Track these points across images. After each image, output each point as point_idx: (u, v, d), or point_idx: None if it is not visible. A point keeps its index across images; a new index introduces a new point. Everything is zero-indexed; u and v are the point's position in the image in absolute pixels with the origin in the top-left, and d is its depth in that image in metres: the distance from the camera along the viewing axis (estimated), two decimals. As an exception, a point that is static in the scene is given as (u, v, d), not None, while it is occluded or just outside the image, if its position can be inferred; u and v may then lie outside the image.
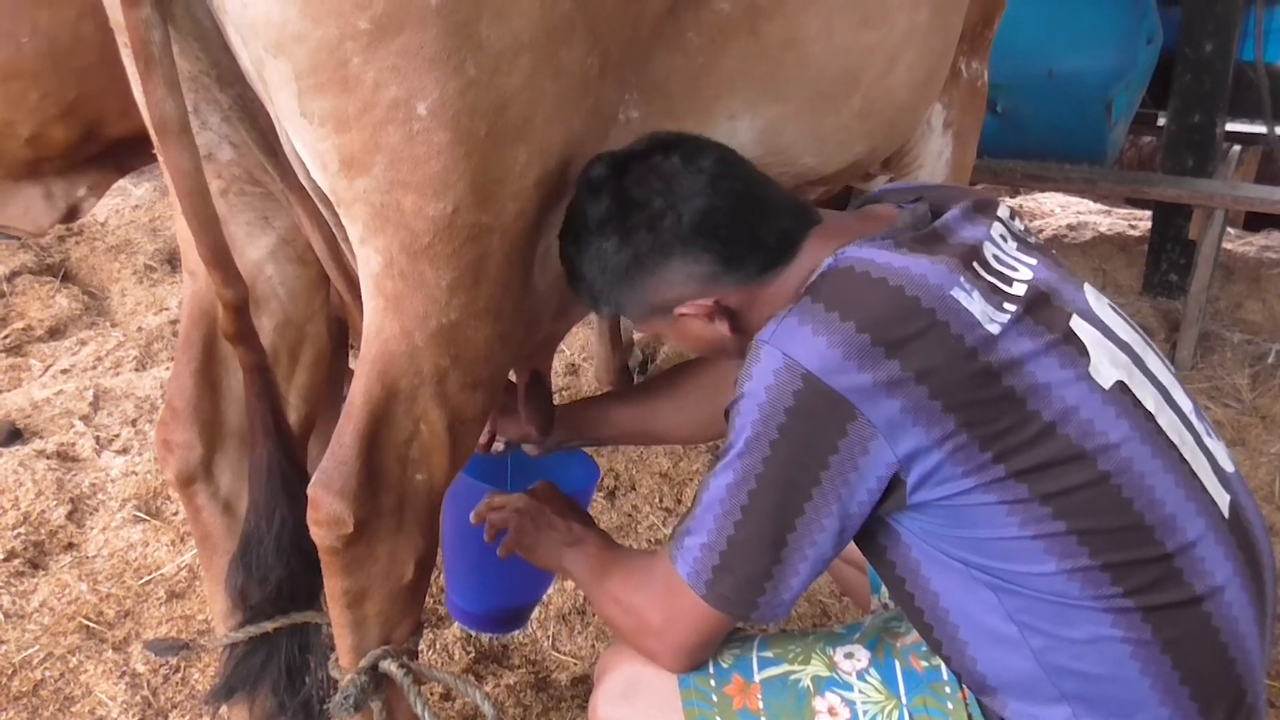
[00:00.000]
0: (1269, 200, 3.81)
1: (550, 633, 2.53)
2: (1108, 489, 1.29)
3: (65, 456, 3.14)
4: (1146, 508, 1.30)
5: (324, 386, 1.82)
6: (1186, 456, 1.36)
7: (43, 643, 2.42)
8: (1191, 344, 3.79)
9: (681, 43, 1.55)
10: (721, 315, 1.43)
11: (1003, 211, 1.50)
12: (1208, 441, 1.44)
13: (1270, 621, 1.40)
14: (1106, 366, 1.34)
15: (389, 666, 1.55)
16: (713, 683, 1.45)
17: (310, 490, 1.43)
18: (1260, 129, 4.21)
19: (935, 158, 2.54)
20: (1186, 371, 3.76)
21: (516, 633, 2.46)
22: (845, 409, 1.26)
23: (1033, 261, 1.43)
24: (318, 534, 1.44)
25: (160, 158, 1.41)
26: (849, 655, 1.48)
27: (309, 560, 1.52)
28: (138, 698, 2.29)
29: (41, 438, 3.21)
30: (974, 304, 1.30)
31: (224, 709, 1.82)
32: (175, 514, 2.89)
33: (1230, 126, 4.23)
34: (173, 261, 4.49)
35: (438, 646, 2.44)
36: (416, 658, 1.61)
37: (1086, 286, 1.47)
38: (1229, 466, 1.45)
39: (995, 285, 1.35)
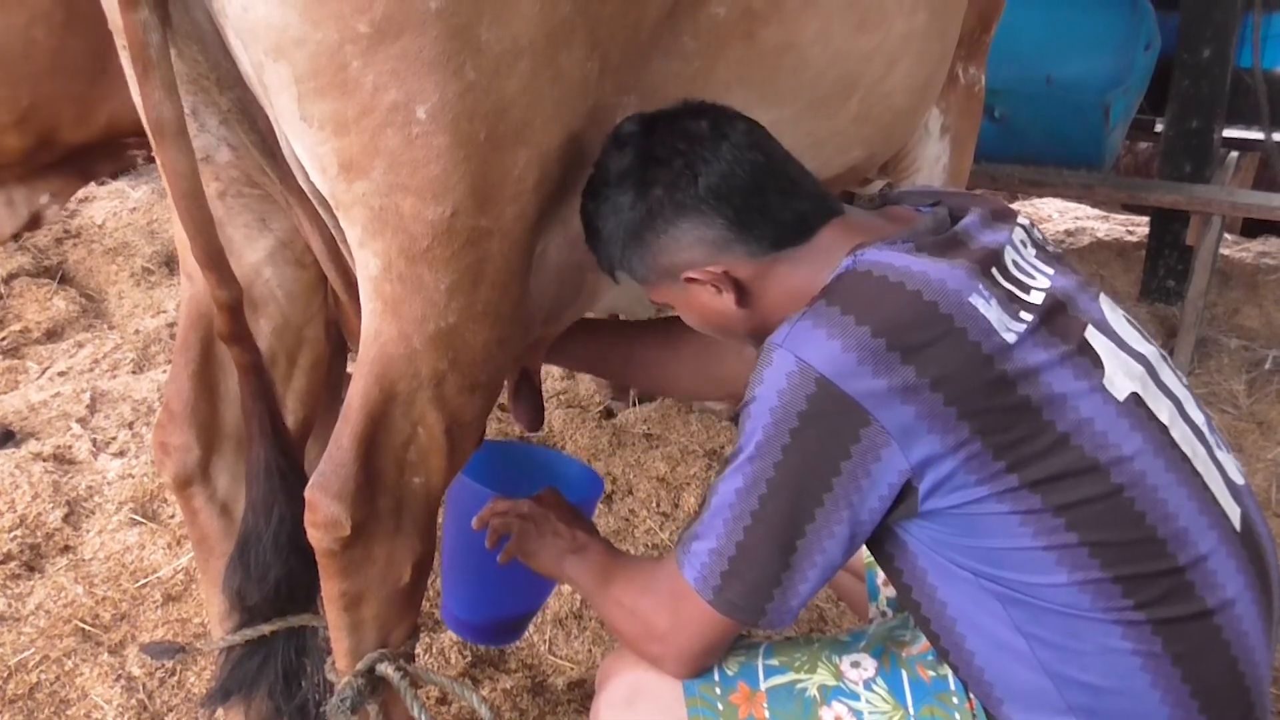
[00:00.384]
0: (1266, 206, 3.81)
1: (547, 637, 2.52)
2: (1120, 501, 1.28)
3: (62, 459, 3.13)
4: (1159, 521, 1.29)
5: (322, 390, 1.82)
6: (1199, 469, 1.35)
7: (38, 645, 2.42)
8: (1189, 350, 3.80)
9: (678, 47, 1.55)
10: (729, 286, 1.42)
11: (1022, 219, 1.50)
12: (1219, 454, 1.43)
13: (1277, 632, 1.40)
14: (1121, 378, 1.34)
15: (386, 669, 1.55)
16: (718, 690, 1.44)
17: (308, 493, 1.43)
18: (1258, 135, 4.22)
19: (933, 163, 2.55)
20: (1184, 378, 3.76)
21: (514, 643, 2.45)
22: (859, 414, 1.25)
23: (1050, 270, 1.42)
24: (315, 536, 1.44)
25: (157, 160, 1.41)
26: (855, 664, 1.47)
27: (307, 559, 1.51)
28: (134, 701, 2.28)
29: (38, 440, 3.21)
30: (991, 311, 1.29)
31: (220, 712, 1.81)
32: (172, 517, 2.89)
33: (1228, 132, 4.23)
34: (170, 264, 4.48)
35: (434, 650, 2.44)
36: (413, 661, 1.61)
37: (1102, 296, 1.46)
38: (1240, 479, 1.45)
39: (1013, 293, 1.34)
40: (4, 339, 3.85)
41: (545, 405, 3.50)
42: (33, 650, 2.40)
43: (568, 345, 1.91)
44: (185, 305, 1.66)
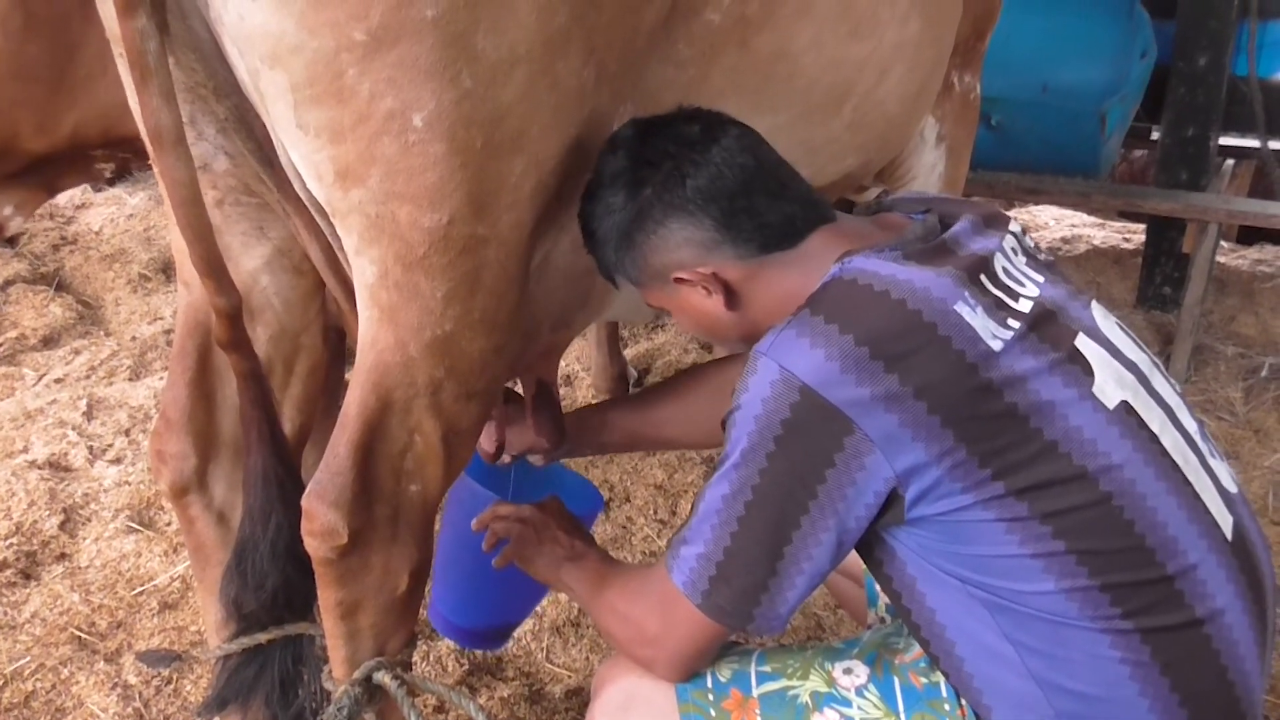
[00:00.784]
0: (1262, 214, 3.82)
1: (544, 645, 2.52)
2: (1109, 509, 1.28)
3: (58, 466, 3.13)
4: (1148, 529, 1.29)
5: (319, 397, 1.82)
6: (1190, 478, 1.35)
7: (34, 654, 2.41)
8: (1185, 357, 3.80)
9: (673, 55, 1.56)
10: (718, 288, 1.42)
11: (1014, 226, 1.50)
12: (1212, 462, 1.43)
13: (1270, 643, 1.40)
14: (1111, 386, 1.34)
15: (383, 678, 1.55)
16: (711, 697, 1.45)
17: (305, 501, 1.43)
18: (1254, 143, 4.24)
19: (928, 170, 2.55)
20: (1180, 385, 3.76)
21: (499, 650, 2.45)
22: (842, 423, 1.25)
23: (1040, 278, 1.42)
24: (312, 545, 1.44)
25: (155, 168, 1.41)
26: (848, 671, 1.48)
27: (304, 567, 1.51)
28: (130, 709, 2.28)
29: (35, 448, 3.20)
30: (977, 319, 1.29)
31: (216, 720, 1.81)
32: (169, 524, 2.88)
33: (1224, 140, 4.25)
34: (167, 271, 4.48)
35: (431, 658, 2.44)
36: (410, 669, 1.61)
37: (1094, 304, 1.46)
38: (1233, 487, 1.44)
39: (1001, 300, 1.34)
40: (0, 346, 3.85)
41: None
42: (29, 658, 2.40)
43: (594, 438, 1.93)
44: (182, 313, 1.66)
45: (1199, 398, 3.68)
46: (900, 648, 1.53)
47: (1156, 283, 4.34)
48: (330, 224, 1.38)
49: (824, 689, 1.45)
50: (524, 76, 1.29)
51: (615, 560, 1.58)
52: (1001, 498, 1.27)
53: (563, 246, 1.58)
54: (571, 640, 2.54)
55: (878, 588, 1.78)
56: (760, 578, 1.32)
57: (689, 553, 1.35)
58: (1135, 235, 4.99)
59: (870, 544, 1.39)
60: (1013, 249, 1.45)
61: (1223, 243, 4.54)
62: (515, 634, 2.36)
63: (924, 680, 1.45)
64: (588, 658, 2.49)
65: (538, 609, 2.50)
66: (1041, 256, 1.50)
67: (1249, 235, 4.95)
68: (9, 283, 4.24)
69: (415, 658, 2.32)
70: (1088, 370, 1.33)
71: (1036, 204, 5.27)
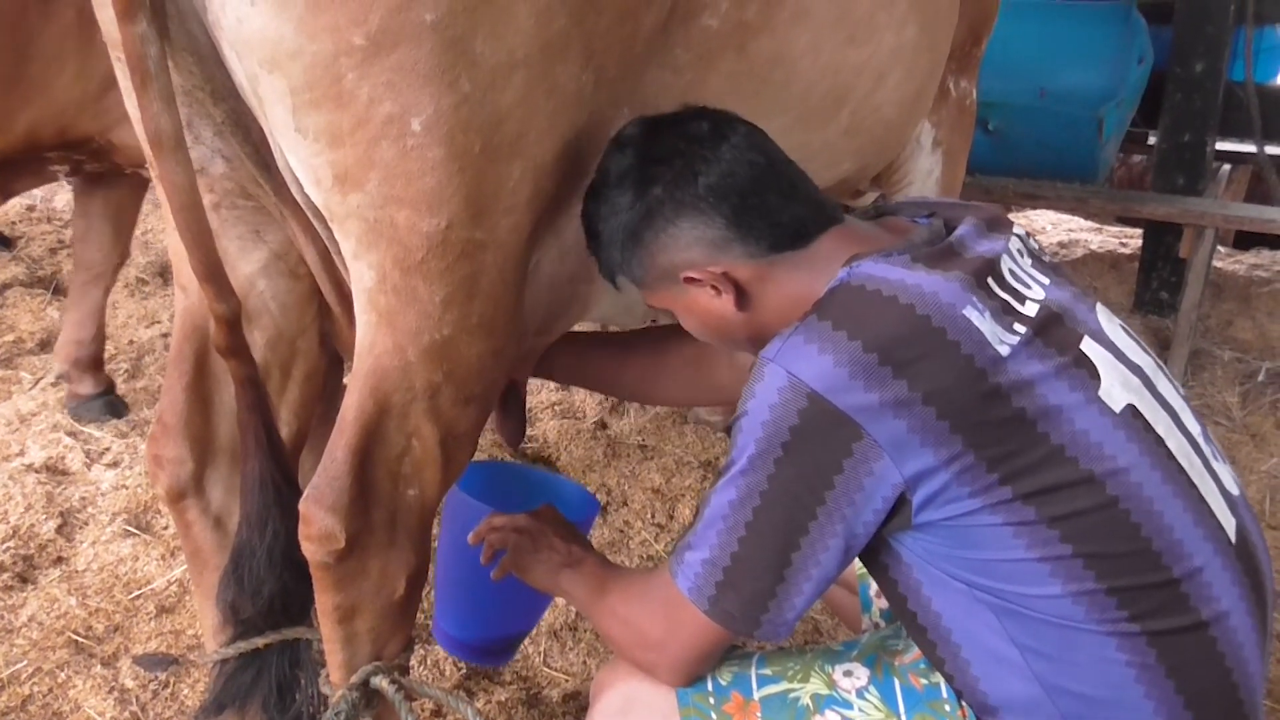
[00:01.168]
0: (1259, 219, 3.83)
1: (542, 649, 2.52)
2: (1116, 513, 1.28)
3: (55, 470, 3.12)
4: (1154, 533, 1.29)
5: (316, 402, 1.82)
6: (1195, 481, 1.35)
7: (31, 657, 2.41)
8: (1182, 362, 3.81)
9: (671, 59, 1.56)
10: (729, 287, 1.41)
11: (1018, 229, 1.50)
12: (1216, 465, 1.43)
13: (1270, 644, 1.40)
14: (1118, 390, 1.33)
15: (380, 682, 1.55)
16: (712, 700, 1.44)
17: (302, 505, 1.43)
18: (1250, 148, 4.25)
19: (925, 175, 2.56)
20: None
21: (504, 665, 2.45)
22: (851, 428, 1.25)
23: (1046, 281, 1.42)
24: (309, 549, 1.44)
25: (154, 172, 1.41)
26: (848, 673, 1.48)
27: (301, 572, 1.51)
28: (127, 713, 2.27)
29: (31, 451, 3.20)
30: (985, 324, 1.29)
31: (213, 725, 1.81)
32: (166, 528, 2.88)
33: (1220, 145, 4.26)
34: (164, 275, 4.48)
35: (429, 663, 2.43)
36: (408, 674, 1.61)
37: (1099, 307, 1.46)
38: (1235, 490, 1.44)
39: (1008, 304, 1.34)
40: (-2, 350, 3.85)
41: (540, 417, 3.51)
42: (25, 662, 2.39)
43: (556, 359, 1.91)
44: (180, 317, 1.66)
45: (1196, 403, 3.69)
46: (899, 649, 1.53)
47: (1153, 287, 4.35)
48: (328, 228, 1.38)
49: (825, 691, 1.45)
50: (522, 81, 1.29)
51: (614, 564, 1.58)
52: (1009, 502, 1.27)
53: (550, 253, 1.57)
54: (569, 644, 2.54)
55: (873, 593, 1.78)
56: (768, 584, 1.31)
57: (694, 558, 1.34)
58: (1132, 240, 5.00)
59: (876, 549, 1.39)
60: (1018, 250, 1.45)
61: (1219, 248, 4.56)
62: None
63: (924, 681, 1.45)
64: (585, 662, 2.49)
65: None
66: (1046, 258, 1.50)
67: (1245, 240, 4.97)
68: (6, 286, 4.24)
69: (413, 662, 2.32)
70: (1094, 374, 1.33)
71: (1034, 209, 5.28)
